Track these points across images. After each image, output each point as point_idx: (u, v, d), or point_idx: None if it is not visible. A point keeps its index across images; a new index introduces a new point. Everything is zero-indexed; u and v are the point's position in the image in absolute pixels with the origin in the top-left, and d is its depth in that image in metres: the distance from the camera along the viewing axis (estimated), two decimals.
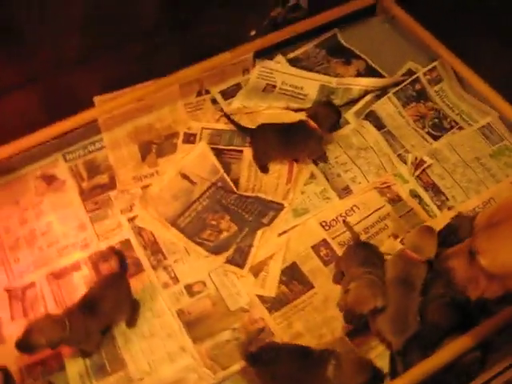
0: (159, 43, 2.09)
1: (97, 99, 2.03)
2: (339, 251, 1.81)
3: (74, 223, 1.93)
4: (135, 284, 1.78)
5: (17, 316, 1.77)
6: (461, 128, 2.05)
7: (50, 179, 2.03)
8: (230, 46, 2.09)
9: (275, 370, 1.53)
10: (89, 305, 1.63)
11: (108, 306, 1.64)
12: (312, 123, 1.90)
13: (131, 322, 1.73)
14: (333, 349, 1.57)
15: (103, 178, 2.02)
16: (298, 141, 1.94)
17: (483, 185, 1.92)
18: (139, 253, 1.85)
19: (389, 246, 1.80)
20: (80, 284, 1.81)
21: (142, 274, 1.82)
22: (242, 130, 2.04)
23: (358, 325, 1.64)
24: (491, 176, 1.94)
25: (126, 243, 1.88)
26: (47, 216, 1.95)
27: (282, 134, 1.93)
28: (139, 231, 1.90)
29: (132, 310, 1.73)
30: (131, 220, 1.92)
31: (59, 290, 1.81)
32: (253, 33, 2.12)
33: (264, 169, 1.99)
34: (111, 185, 2.00)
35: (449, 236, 1.74)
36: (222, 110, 2.13)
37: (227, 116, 2.06)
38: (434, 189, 1.92)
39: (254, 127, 2.00)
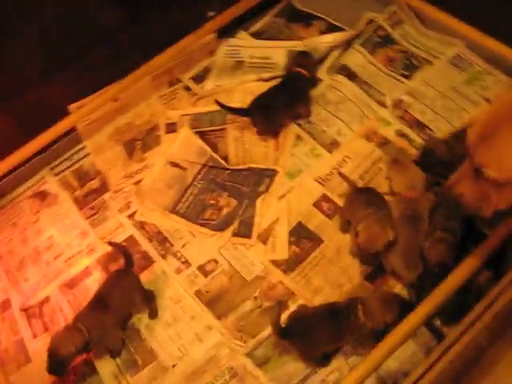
0: (120, 43, 2.11)
1: (72, 107, 2.04)
2: (340, 202, 1.83)
3: (75, 232, 1.93)
4: (148, 276, 1.80)
5: (38, 333, 1.77)
6: (431, 63, 2.08)
7: (42, 196, 2.03)
8: (192, 30, 2.11)
9: (309, 338, 1.54)
10: (98, 302, 1.63)
11: (117, 300, 1.64)
12: (303, 71, 1.96)
13: (152, 314, 1.73)
14: (357, 296, 1.60)
15: (94, 183, 2.02)
16: (299, 93, 1.99)
17: (464, 111, 1.95)
18: (146, 246, 1.86)
19: (387, 187, 1.83)
20: (94, 288, 1.80)
21: (152, 265, 1.82)
22: (236, 112, 2.03)
23: (375, 263, 1.66)
24: (469, 101, 1.97)
25: (131, 240, 1.88)
26: (47, 231, 1.95)
27: (281, 95, 1.96)
28: (141, 225, 1.90)
29: (147, 301, 1.73)
30: (131, 217, 1.93)
31: (75, 298, 1.81)
32: (211, 14, 2.14)
33: (276, 134, 2.01)
34: (104, 188, 2.01)
35: (427, 159, 1.79)
36: (196, 94, 2.15)
37: (218, 102, 2.03)
38: (418, 124, 1.95)
39: (246, 107, 1.98)
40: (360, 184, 1.86)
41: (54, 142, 2.04)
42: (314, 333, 1.52)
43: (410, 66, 2.10)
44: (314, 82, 2.03)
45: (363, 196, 1.75)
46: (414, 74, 2.07)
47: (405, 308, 1.49)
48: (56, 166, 2.08)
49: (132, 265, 1.75)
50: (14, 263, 1.91)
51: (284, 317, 1.62)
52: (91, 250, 1.88)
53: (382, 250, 1.59)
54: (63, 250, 1.90)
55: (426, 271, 1.60)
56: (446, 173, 1.63)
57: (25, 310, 1.81)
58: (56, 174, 2.07)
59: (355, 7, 2.26)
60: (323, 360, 1.59)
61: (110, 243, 1.83)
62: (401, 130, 1.95)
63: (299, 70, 2.00)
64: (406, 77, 2.07)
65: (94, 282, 1.82)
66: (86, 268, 1.85)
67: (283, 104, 1.96)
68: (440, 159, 1.76)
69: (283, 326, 1.55)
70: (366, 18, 2.23)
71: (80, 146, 2.10)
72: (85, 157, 2.09)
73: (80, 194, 2.00)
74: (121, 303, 1.65)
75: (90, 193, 2.00)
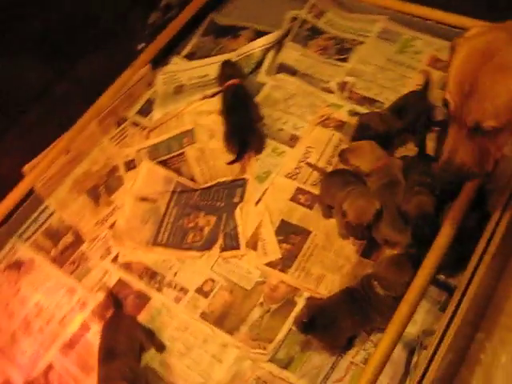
0: (57, 95, 2.09)
1: (25, 169, 1.99)
2: (316, 191, 1.85)
3: (61, 291, 1.86)
4: (148, 313, 1.75)
5: None
6: (362, 43, 2.16)
7: (17, 265, 1.95)
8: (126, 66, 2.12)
9: (334, 327, 1.53)
10: (107, 355, 1.60)
11: (124, 345, 1.61)
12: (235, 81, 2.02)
13: (159, 347, 1.69)
14: (367, 273, 1.61)
15: (68, 238, 1.97)
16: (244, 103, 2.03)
17: (404, 78, 2.03)
18: (137, 285, 1.82)
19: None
20: (96, 342, 1.73)
21: (149, 302, 1.78)
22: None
23: (368, 237, 1.68)
24: (407, 68, 2.05)
25: (121, 283, 1.83)
26: (32, 298, 1.87)
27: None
28: (127, 266, 1.86)
29: (149, 337, 1.69)
30: (114, 261, 1.88)
31: (79, 357, 1.74)
32: (141, 46, 2.15)
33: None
34: (79, 240, 1.96)
35: (363, 133, 1.83)
36: (146, 127, 2.14)
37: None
38: (367, 100, 2.01)
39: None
40: (329, 169, 1.89)
41: (16, 208, 1.98)
42: (338, 322, 1.51)
43: (342, 49, 2.17)
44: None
45: (337, 178, 1.78)
46: (349, 55, 2.14)
47: (416, 262, 1.51)
48: (23, 232, 2.02)
49: (121, 305, 1.72)
50: (5, 340, 1.82)
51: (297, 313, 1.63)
52: (83, 304, 1.82)
53: (372, 220, 1.62)
54: (54, 313, 1.83)
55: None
56: (385, 145, 1.80)
57: (30, 383, 1.73)
58: (26, 240, 2.00)
59: (276, 10, 2.32)
60: (347, 345, 1.58)
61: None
62: (352, 109, 2.00)
63: (230, 82, 2.04)
64: (343, 60, 2.14)
65: (94, 335, 1.75)
66: (83, 323, 1.79)
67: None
68: (376, 132, 1.82)
69: (304, 320, 1.54)
70: (288, 16, 2.29)
71: (43, 206, 2.04)
72: (51, 215, 2.03)
73: (56, 253, 1.94)
74: (128, 346, 1.61)
75: (66, 249, 1.95)
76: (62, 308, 1.83)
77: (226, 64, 2.12)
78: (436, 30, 2.09)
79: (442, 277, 1.63)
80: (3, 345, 1.81)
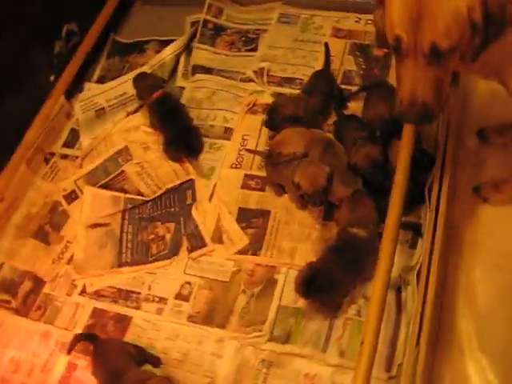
0: None
1: None
2: (263, 173, 1.90)
3: (35, 339, 1.76)
4: (134, 333, 1.71)
5: None
6: (265, 31, 2.25)
7: None
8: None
9: (336, 284, 1.56)
10: (111, 378, 1.55)
11: (121, 365, 1.57)
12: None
13: (155, 362, 1.65)
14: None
15: (26, 285, 1.86)
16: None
17: (314, 52, 2.14)
18: (114, 308, 1.77)
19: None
20: (88, 377, 1.67)
21: (131, 321, 1.74)
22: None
23: (327, 200, 1.73)
24: (314, 43, 2.17)
25: (97, 312, 1.77)
26: (4, 356, 1.75)
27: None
28: (98, 295, 1.80)
29: (142, 353, 1.65)
30: (83, 293, 1.81)
31: None
32: (52, 78, 2.11)
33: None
34: (39, 284, 1.86)
35: (272, 118, 1.92)
36: (77, 157, 2.09)
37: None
38: (286, 81, 2.10)
39: None
40: None
41: None
42: (334, 279, 1.54)
43: (249, 40, 2.25)
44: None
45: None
46: (257, 44, 2.22)
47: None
48: None
49: (97, 337, 1.68)
50: None
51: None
52: (62, 344, 1.73)
53: (326, 184, 1.68)
54: (33, 362, 1.72)
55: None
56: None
57: None
58: None
59: (176, 19, 2.37)
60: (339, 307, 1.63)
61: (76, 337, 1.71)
62: (275, 91, 2.08)
63: (155, 95, 2.04)
64: (252, 50, 2.22)
65: (83, 371, 1.68)
66: (68, 363, 1.70)
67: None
68: (284, 115, 1.90)
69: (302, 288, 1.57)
70: (189, 21, 2.34)
71: None
72: (1, 268, 1.91)
73: (18, 304, 1.83)
74: (127, 360, 1.57)
75: (28, 296, 1.84)
76: (40, 356, 1.73)
77: (141, 77, 2.12)
78: (330, 5, 2.23)
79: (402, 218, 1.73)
80: None
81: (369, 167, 1.71)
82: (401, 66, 1.25)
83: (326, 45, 2.10)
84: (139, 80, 2.12)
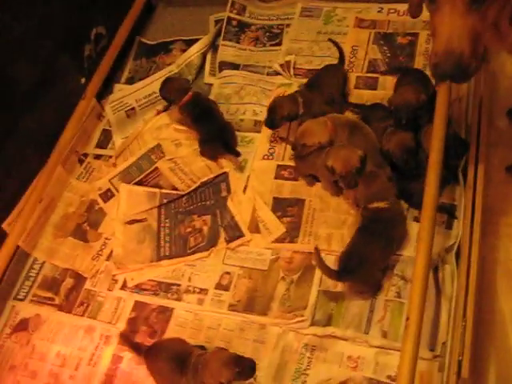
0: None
1: (5, 226, 1.92)
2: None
3: (79, 334, 1.80)
4: (176, 324, 1.74)
5: None
6: (288, 25, 2.29)
7: (23, 325, 1.86)
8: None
9: (367, 263, 1.58)
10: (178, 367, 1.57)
11: (184, 347, 1.62)
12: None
13: None
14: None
15: (68, 283, 1.90)
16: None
17: (340, 43, 2.14)
18: (155, 301, 1.80)
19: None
20: (133, 369, 1.70)
21: (173, 313, 1.77)
22: None
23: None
24: (338, 34, 2.19)
25: (139, 305, 1.81)
26: (51, 351, 1.79)
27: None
28: (139, 288, 1.83)
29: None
30: (124, 287, 1.85)
31: None
32: (83, 80, 2.16)
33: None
34: (80, 281, 1.90)
35: (271, 118, 1.91)
36: (110, 157, 2.13)
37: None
38: (312, 72, 2.11)
39: None
40: None
41: (4, 271, 1.90)
42: (367, 257, 1.57)
43: (273, 36, 2.29)
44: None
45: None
46: (281, 39, 2.25)
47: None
48: (18, 292, 1.92)
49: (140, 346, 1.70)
50: None
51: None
52: (106, 338, 1.77)
53: (359, 165, 1.68)
54: (80, 356, 1.76)
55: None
56: None
57: None
58: (23, 299, 1.91)
59: (200, 18, 2.41)
60: (378, 286, 1.65)
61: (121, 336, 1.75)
62: (302, 82, 2.09)
63: (186, 98, 2.05)
64: (277, 45, 2.25)
65: (129, 363, 1.71)
66: (113, 356, 1.74)
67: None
68: (283, 115, 1.90)
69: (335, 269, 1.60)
70: (213, 20, 2.39)
71: (31, 259, 1.97)
72: (42, 267, 1.96)
73: (61, 300, 1.87)
74: (187, 347, 1.61)
75: (70, 292, 1.88)
76: (86, 349, 1.77)
77: (166, 83, 2.11)
78: None
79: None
80: None
81: (402, 154, 1.72)
82: (437, 15, 1.21)
83: (332, 41, 2.15)
84: (166, 86, 2.10)
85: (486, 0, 1.16)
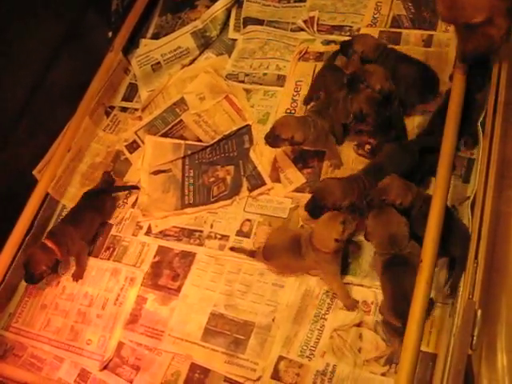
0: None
1: (35, 172, 2.01)
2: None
3: (106, 276, 1.89)
4: (200, 268, 1.80)
5: (132, 376, 1.70)
6: None
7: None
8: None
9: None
10: None
11: None
12: None
13: None
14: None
15: None
16: None
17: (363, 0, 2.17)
18: (178, 246, 1.88)
19: None
20: (157, 309, 1.78)
21: (195, 257, 1.83)
22: None
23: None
24: None
25: (162, 250, 1.89)
26: (80, 292, 1.89)
27: None
28: (163, 234, 1.92)
29: None
30: (148, 233, 1.93)
31: (146, 327, 1.75)
32: (110, 34, 2.21)
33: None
34: (106, 227, 1.98)
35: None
36: (136, 110, 2.20)
37: None
38: (335, 28, 2.13)
39: None
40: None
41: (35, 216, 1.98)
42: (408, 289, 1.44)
43: None
44: None
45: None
46: None
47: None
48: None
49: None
50: (66, 337, 1.82)
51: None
52: (131, 280, 1.85)
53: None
54: (106, 297, 1.85)
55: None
56: None
57: (105, 367, 1.74)
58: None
59: None
60: None
61: None
62: (325, 38, 2.12)
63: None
64: (301, 1, 2.25)
65: (153, 303, 1.80)
66: (138, 297, 1.82)
67: None
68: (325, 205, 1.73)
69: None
70: None
71: (60, 206, 2.07)
72: None
73: None
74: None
75: (96, 238, 1.97)
76: (112, 290, 1.86)
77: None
78: None
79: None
80: (67, 341, 1.81)
81: (373, 107, 1.72)
82: None
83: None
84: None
85: None
